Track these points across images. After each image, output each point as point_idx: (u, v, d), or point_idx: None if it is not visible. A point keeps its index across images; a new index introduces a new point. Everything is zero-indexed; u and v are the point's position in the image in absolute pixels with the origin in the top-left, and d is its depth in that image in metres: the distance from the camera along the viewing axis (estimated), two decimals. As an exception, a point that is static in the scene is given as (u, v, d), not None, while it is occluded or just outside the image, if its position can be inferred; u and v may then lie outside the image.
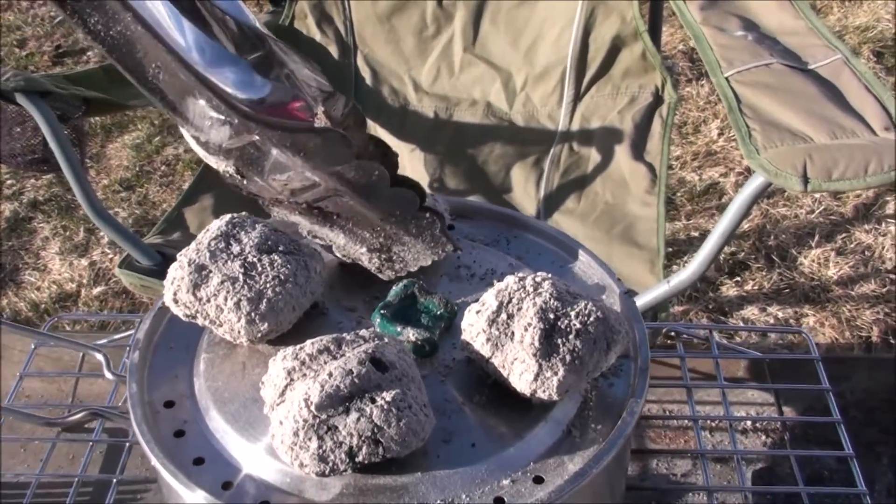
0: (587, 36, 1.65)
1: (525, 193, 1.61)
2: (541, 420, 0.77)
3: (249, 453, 0.76)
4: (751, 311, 2.00)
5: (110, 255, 2.31)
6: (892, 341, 1.92)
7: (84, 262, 2.30)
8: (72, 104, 1.37)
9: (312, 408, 0.68)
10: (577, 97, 1.67)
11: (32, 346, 1.39)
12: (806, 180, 0.99)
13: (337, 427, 0.68)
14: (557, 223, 1.54)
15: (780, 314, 1.99)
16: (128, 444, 1.28)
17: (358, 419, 0.68)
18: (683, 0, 1.37)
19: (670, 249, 2.13)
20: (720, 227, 1.15)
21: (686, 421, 1.50)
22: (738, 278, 2.08)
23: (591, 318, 0.75)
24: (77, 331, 2.04)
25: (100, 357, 1.24)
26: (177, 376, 0.85)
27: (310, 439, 0.68)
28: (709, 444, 1.50)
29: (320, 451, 0.68)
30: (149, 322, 0.89)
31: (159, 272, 1.34)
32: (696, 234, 2.22)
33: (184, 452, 0.77)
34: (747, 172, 2.38)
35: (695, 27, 1.32)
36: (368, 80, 1.76)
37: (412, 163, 1.67)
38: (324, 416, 0.68)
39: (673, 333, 1.35)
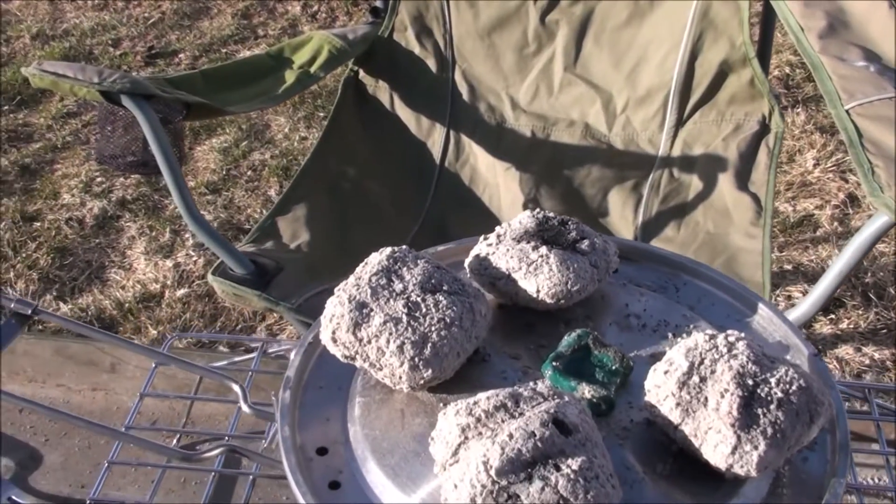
0: (694, 60, 1.60)
1: (622, 218, 1.57)
2: (732, 497, 0.71)
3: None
4: (845, 351, 1.93)
5: (195, 258, 2.32)
6: None
7: (169, 263, 2.31)
8: (173, 108, 1.37)
9: (492, 472, 0.63)
10: (680, 122, 1.62)
11: (153, 366, 1.38)
12: (933, 222, 0.95)
13: (518, 496, 0.62)
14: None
15: (877, 355, 1.92)
16: (251, 478, 1.26)
17: (542, 489, 0.62)
18: (801, 28, 1.32)
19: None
20: (837, 266, 1.10)
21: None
22: (833, 315, 2.01)
23: (794, 387, 0.69)
24: (189, 348, 2.06)
25: (236, 388, 1.20)
26: (328, 420, 0.81)
27: None
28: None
29: None
30: (299, 359, 0.85)
31: (252, 281, 1.32)
32: (788, 266, 2.15)
33: (341, 505, 0.73)
34: (844, 206, 2.31)
35: (813, 56, 1.27)
36: (465, 95, 1.74)
37: (507, 182, 1.64)
38: (504, 483, 0.63)
39: None
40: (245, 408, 1.18)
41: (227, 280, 1.32)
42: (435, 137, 1.73)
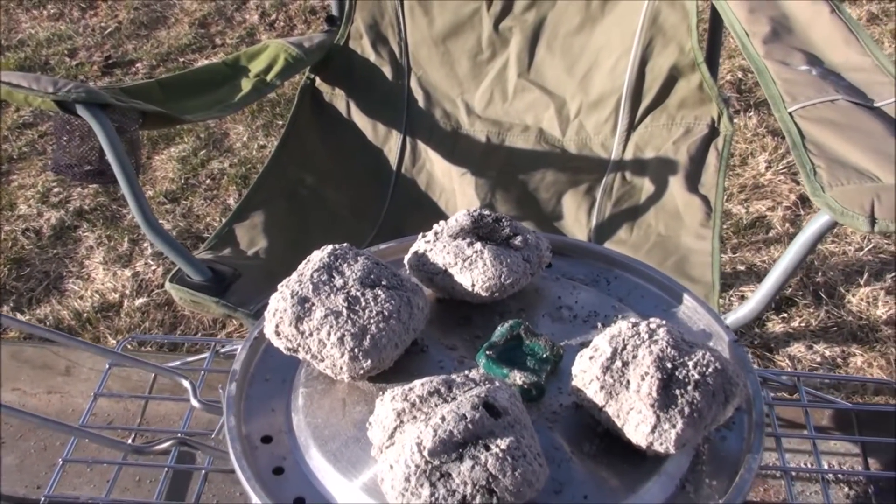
0: (644, 65, 1.63)
1: (576, 221, 1.59)
2: (654, 474, 0.75)
3: (351, 494, 0.74)
4: (797, 349, 1.97)
5: (153, 267, 2.32)
6: (943, 385, 1.88)
7: (127, 272, 2.31)
8: (129, 117, 1.38)
9: (425, 453, 0.66)
10: (632, 126, 1.65)
11: (107, 366, 1.39)
12: (873, 221, 0.97)
13: (450, 474, 0.66)
14: (608, 252, 1.52)
15: (827, 353, 1.96)
16: (203, 472, 1.27)
17: (472, 467, 0.66)
18: (746, 33, 1.36)
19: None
20: (781, 265, 1.13)
21: (775, 472, 1.45)
22: (785, 314, 2.05)
23: (710, 369, 0.73)
24: (144, 351, 2.06)
25: (186, 384, 1.23)
26: (273, 410, 0.84)
27: (422, 485, 0.66)
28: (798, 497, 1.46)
29: (432, 498, 0.66)
30: (245, 353, 0.88)
31: (210, 288, 1.33)
32: (742, 267, 2.19)
33: (284, 491, 0.76)
34: (795, 207, 2.35)
35: (758, 61, 1.30)
36: (421, 102, 1.76)
37: (462, 186, 1.66)
38: (437, 462, 0.66)
39: (760, 379, 1.33)
40: (195, 402, 1.21)
41: (185, 287, 1.33)
42: (391, 143, 1.75)
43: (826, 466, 1.48)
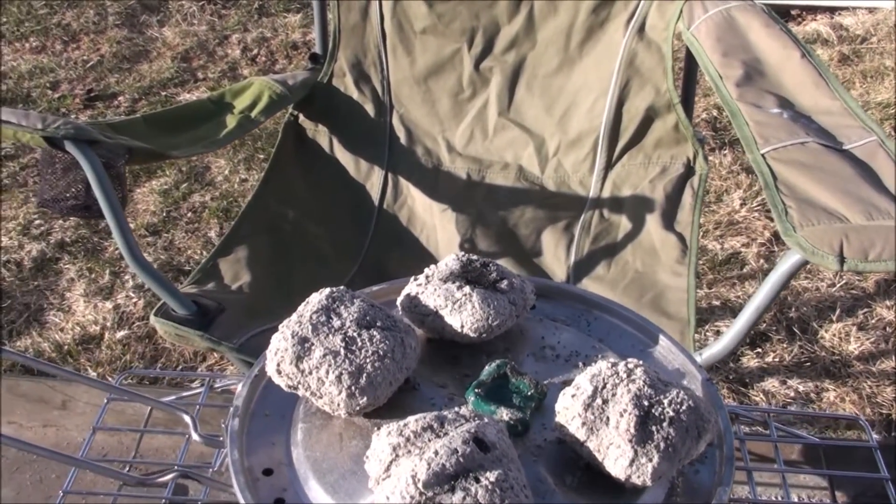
0: (621, 106, 1.67)
1: (555, 258, 1.62)
2: None
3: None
4: (771, 384, 2.00)
5: (134, 299, 2.32)
6: (913, 419, 1.92)
7: (108, 304, 2.32)
8: (116, 152, 1.39)
9: (420, 485, 0.70)
10: (609, 165, 1.69)
11: (105, 401, 1.41)
12: (842, 260, 1.01)
13: None
14: (587, 289, 1.55)
15: (801, 388, 1.99)
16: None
17: (464, 498, 0.69)
18: (720, 76, 1.40)
19: (691, 318, 2.14)
20: (753, 303, 1.16)
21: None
22: (759, 349, 2.09)
23: (684, 407, 0.78)
24: (138, 385, 2.06)
25: (186, 418, 1.26)
26: (274, 444, 0.87)
27: None
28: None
29: None
30: (246, 389, 0.92)
31: (194, 321, 1.35)
32: (717, 302, 2.23)
33: (286, 520, 0.78)
34: (769, 244, 2.40)
35: (731, 103, 1.34)
36: (403, 139, 1.79)
37: (443, 222, 1.69)
38: (430, 494, 0.70)
39: (732, 415, 1.36)
40: (196, 437, 1.23)
41: (170, 321, 1.34)
42: (373, 180, 1.77)
43: (795, 499, 1.52)
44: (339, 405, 0.83)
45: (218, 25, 3.67)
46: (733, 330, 1.19)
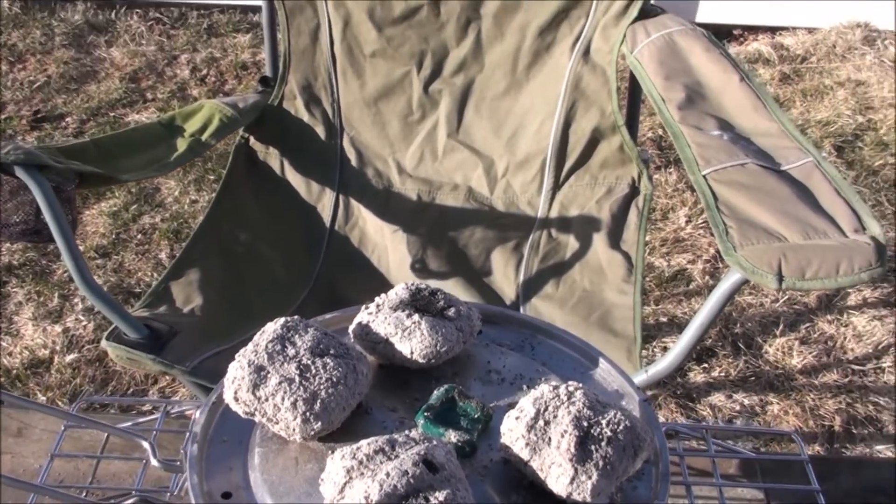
0: (568, 127, 1.71)
1: (505, 277, 1.65)
2: None
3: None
4: (717, 398, 2.04)
5: (84, 323, 2.31)
6: (854, 431, 1.97)
7: (58, 328, 2.30)
8: (66, 177, 1.39)
9: None
10: (557, 186, 1.72)
11: (63, 428, 1.41)
12: (781, 278, 1.04)
13: None
14: (536, 308, 1.58)
15: (746, 401, 2.04)
16: None
17: None
18: (663, 99, 1.44)
19: (639, 334, 2.18)
20: (697, 320, 1.19)
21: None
22: (706, 364, 2.13)
23: (621, 427, 0.82)
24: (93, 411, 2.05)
25: (145, 444, 1.27)
26: (231, 468, 0.89)
27: None
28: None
29: None
30: (204, 416, 0.94)
31: (146, 345, 1.35)
32: (664, 319, 2.27)
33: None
34: (714, 260, 2.44)
35: (673, 126, 1.38)
36: (354, 161, 1.81)
37: (395, 243, 1.71)
38: None
39: (672, 432, 1.40)
40: (154, 462, 1.25)
41: (122, 345, 1.34)
42: (325, 202, 1.79)
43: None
44: (294, 430, 0.86)
45: (167, 45, 3.66)
46: (678, 346, 1.22)
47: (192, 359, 1.35)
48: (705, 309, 1.18)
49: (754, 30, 3.72)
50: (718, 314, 1.18)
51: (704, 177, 1.25)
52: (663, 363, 1.24)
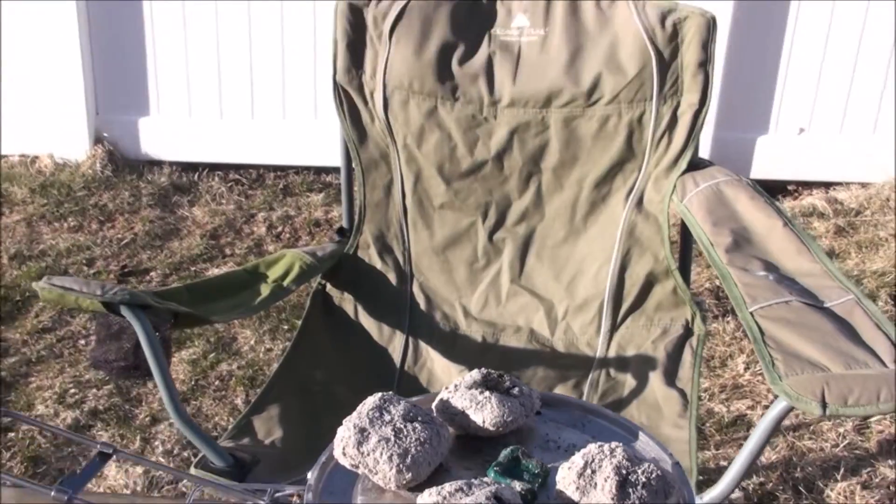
0: (623, 272, 1.82)
1: (566, 414, 1.73)
2: None
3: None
4: (780, 540, 2.06)
5: (165, 463, 2.41)
6: (920, 574, 1.97)
7: (139, 469, 2.40)
8: (163, 317, 1.53)
9: None
10: (614, 327, 1.82)
11: None
12: (824, 405, 1.12)
13: None
14: (596, 442, 1.65)
15: (810, 543, 2.05)
16: None
17: None
18: (711, 244, 1.55)
19: (701, 478, 2.21)
20: (747, 447, 1.25)
21: None
22: (767, 507, 2.15)
23: (654, 475, 0.99)
24: None
25: None
26: None
27: None
28: None
29: None
30: (317, 471, 1.12)
31: (230, 473, 1.45)
32: (724, 463, 2.31)
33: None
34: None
35: (722, 267, 1.48)
36: (423, 305, 1.93)
37: (461, 382, 1.80)
38: None
39: None
40: None
41: (208, 472, 1.45)
42: (395, 344, 1.90)
43: None
44: (390, 479, 1.03)
45: (245, 205, 3.89)
46: (729, 475, 1.28)
47: (273, 491, 1.45)
48: (754, 437, 1.25)
49: (808, 185, 3.83)
50: (767, 441, 1.24)
51: (751, 313, 1.34)
52: (716, 491, 1.30)
